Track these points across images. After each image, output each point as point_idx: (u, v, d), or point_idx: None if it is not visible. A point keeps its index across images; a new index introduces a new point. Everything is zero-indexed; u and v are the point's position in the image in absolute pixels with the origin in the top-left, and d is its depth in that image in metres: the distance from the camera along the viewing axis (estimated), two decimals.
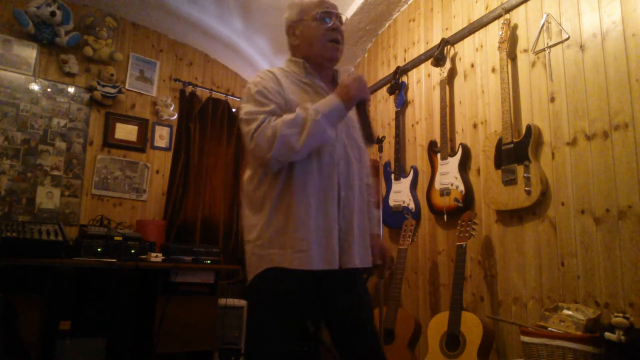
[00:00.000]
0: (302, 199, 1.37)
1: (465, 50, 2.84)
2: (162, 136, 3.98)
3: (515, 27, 2.48)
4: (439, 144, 2.85)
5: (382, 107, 3.63)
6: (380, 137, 3.10)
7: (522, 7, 2.46)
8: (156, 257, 2.96)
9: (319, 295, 1.44)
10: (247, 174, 1.51)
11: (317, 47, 1.52)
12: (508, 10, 2.50)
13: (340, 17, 1.57)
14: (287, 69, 1.57)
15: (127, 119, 3.81)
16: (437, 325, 2.36)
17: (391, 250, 2.98)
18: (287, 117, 1.36)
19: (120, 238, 2.92)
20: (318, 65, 1.55)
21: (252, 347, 1.41)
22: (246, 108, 1.42)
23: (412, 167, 3.11)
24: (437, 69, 2.92)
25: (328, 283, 1.43)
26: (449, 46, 2.91)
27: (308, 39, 1.53)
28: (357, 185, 1.50)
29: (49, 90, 3.49)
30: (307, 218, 1.36)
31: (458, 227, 2.45)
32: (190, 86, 4.10)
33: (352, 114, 1.54)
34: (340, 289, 1.47)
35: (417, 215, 2.98)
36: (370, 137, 1.47)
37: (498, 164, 2.37)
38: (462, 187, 2.62)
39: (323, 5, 1.54)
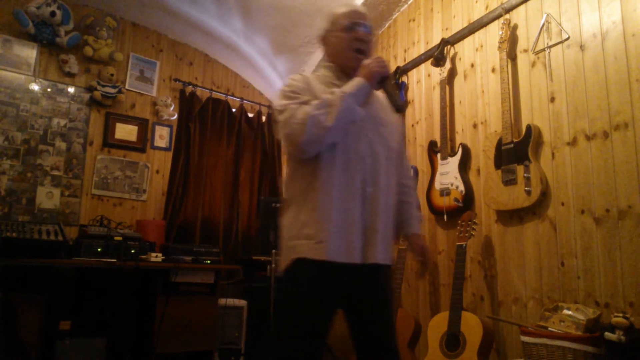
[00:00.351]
0: (326, 193, 1.44)
1: (465, 50, 2.84)
2: (162, 136, 3.98)
3: (515, 27, 2.48)
4: (439, 144, 2.85)
5: None
6: None
7: (522, 7, 2.46)
8: (156, 257, 2.96)
9: (343, 288, 1.48)
10: (285, 173, 1.61)
11: (342, 56, 1.59)
12: (508, 10, 2.50)
13: (368, 27, 1.62)
14: (319, 72, 1.66)
15: (127, 119, 3.81)
16: (437, 325, 2.36)
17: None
18: (315, 101, 1.44)
19: (120, 238, 2.92)
20: (350, 73, 1.59)
21: (274, 332, 1.47)
22: (279, 102, 1.50)
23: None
24: (437, 69, 2.92)
25: (352, 277, 1.46)
26: (449, 46, 2.91)
27: (335, 48, 1.61)
28: (385, 183, 1.53)
29: (49, 90, 3.49)
30: (329, 211, 1.42)
31: (458, 227, 2.45)
32: (190, 86, 4.10)
33: (382, 113, 1.60)
34: (365, 284, 1.50)
35: None
36: (397, 107, 1.51)
37: (498, 164, 2.37)
38: (462, 187, 2.62)
39: (352, 15, 1.60)
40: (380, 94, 1.67)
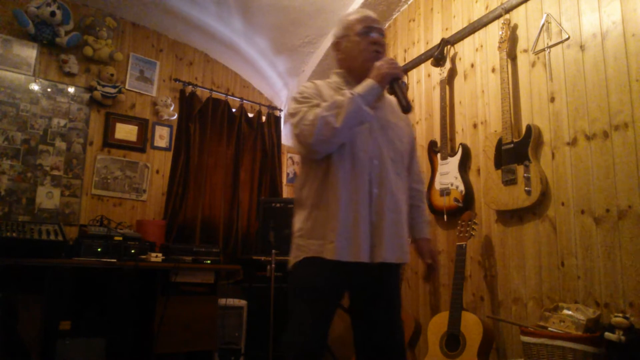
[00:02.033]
0: (334, 194, 1.48)
1: (465, 50, 2.84)
2: (162, 136, 3.98)
3: (515, 27, 2.48)
4: (439, 144, 2.85)
5: None
6: None
7: (522, 7, 2.46)
8: (156, 257, 2.96)
9: (352, 287, 1.53)
10: (298, 176, 1.66)
11: (360, 59, 1.61)
12: (508, 10, 2.50)
13: (382, 31, 1.66)
14: (330, 80, 1.69)
15: (127, 119, 3.81)
16: (437, 325, 2.36)
17: None
18: (326, 103, 1.48)
19: (120, 238, 2.92)
20: (361, 78, 1.60)
21: (287, 330, 1.50)
22: (292, 106, 1.56)
23: None
24: (437, 69, 2.92)
25: (361, 276, 1.50)
26: (449, 46, 2.91)
27: (351, 53, 1.63)
28: (393, 184, 1.55)
29: (49, 90, 3.49)
30: (337, 212, 1.46)
31: (458, 227, 2.45)
32: (190, 86, 4.10)
33: (392, 117, 1.63)
34: (373, 283, 1.54)
35: None
36: (406, 107, 1.51)
37: (498, 164, 2.37)
38: (462, 187, 2.62)
39: (366, 21, 1.64)
40: (391, 98, 1.68)
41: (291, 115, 1.52)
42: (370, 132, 1.54)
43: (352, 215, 1.47)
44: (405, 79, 3.33)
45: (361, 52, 1.60)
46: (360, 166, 1.50)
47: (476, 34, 2.75)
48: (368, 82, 1.49)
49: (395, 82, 1.53)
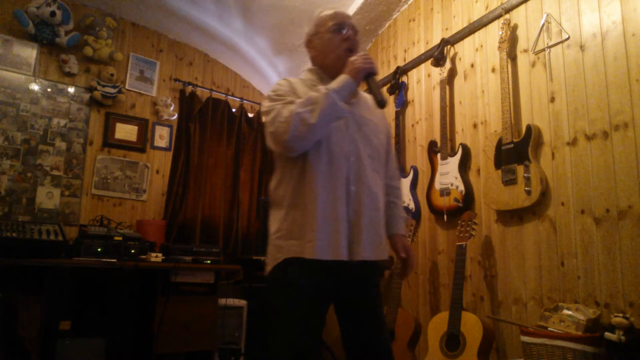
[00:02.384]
0: (312, 193, 1.45)
1: (465, 50, 2.84)
2: (162, 136, 3.98)
3: (515, 27, 2.48)
4: (439, 144, 2.85)
5: None
6: None
7: (522, 7, 2.46)
8: (156, 257, 2.96)
9: (334, 286, 1.50)
10: (273, 175, 1.63)
11: (332, 57, 1.61)
12: (508, 10, 2.50)
13: (354, 28, 1.65)
14: (304, 77, 1.68)
15: (127, 119, 3.81)
16: (437, 325, 2.36)
17: (391, 251, 2.98)
18: (300, 99, 1.46)
19: (120, 238, 2.92)
20: (334, 75, 1.60)
21: (271, 335, 1.46)
22: (265, 104, 1.54)
23: (412, 167, 3.11)
24: (437, 69, 2.92)
25: (341, 275, 1.48)
26: (449, 46, 2.91)
27: (323, 50, 1.63)
28: (370, 181, 1.54)
29: (49, 90, 3.49)
30: (315, 211, 1.44)
31: (458, 227, 2.45)
32: (190, 86, 4.10)
33: (367, 113, 1.62)
34: (354, 282, 1.52)
35: (417, 215, 2.98)
36: (380, 102, 1.49)
37: (498, 164, 2.37)
38: (462, 187, 2.62)
39: (337, 17, 1.64)
40: (366, 95, 1.68)
41: (265, 113, 1.51)
42: (347, 129, 1.53)
43: (331, 213, 1.45)
44: (405, 79, 3.34)
45: (333, 48, 1.60)
46: (338, 164, 1.49)
47: (476, 34, 2.75)
48: (342, 78, 1.48)
49: (369, 77, 1.51)
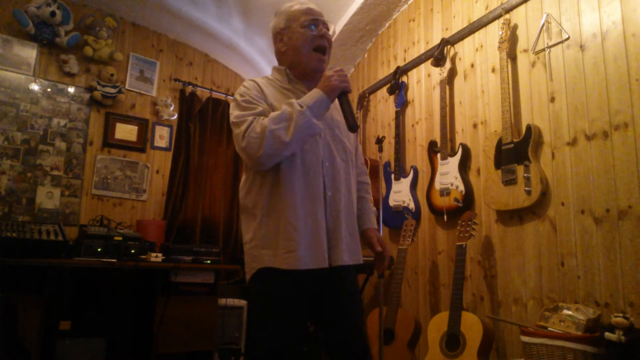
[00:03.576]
0: (289, 201, 1.41)
1: (465, 50, 2.84)
2: (162, 136, 3.98)
3: (515, 27, 2.48)
4: (439, 144, 2.85)
5: (382, 107, 3.63)
6: (380, 137, 3.10)
7: (522, 7, 2.46)
8: (156, 257, 2.96)
9: (311, 294, 1.47)
10: (241, 181, 1.57)
11: (303, 55, 1.56)
12: (508, 10, 2.50)
13: (327, 25, 1.59)
14: (271, 77, 1.63)
15: (127, 119, 3.81)
16: (437, 325, 2.36)
17: (391, 250, 2.98)
18: (274, 114, 1.41)
19: (120, 238, 2.92)
20: (303, 74, 1.57)
21: (250, 344, 1.45)
22: (235, 113, 1.47)
23: (412, 167, 3.11)
24: (437, 69, 2.92)
25: (318, 282, 1.46)
26: (449, 46, 2.91)
27: (294, 46, 1.57)
28: (344, 185, 1.53)
29: (49, 90, 3.49)
30: (294, 219, 1.40)
31: (458, 227, 2.45)
32: (190, 86, 4.10)
33: (336, 115, 1.58)
34: (331, 288, 1.50)
35: (417, 215, 2.98)
36: (352, 126, 1.46)
37: (498, 164, 2.37)
38: (462, 187, 2.62)
39: (310, 13, 1.58)
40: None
41: (235, 124, 1.44)
42: (320, 135, 1.49)
43: (311, 222, 1.42)
44: (405, 79, 3.34)
45: (304, 46, 1.54)
46: (313, 170, 1.45)
47: (476, 34, 2.75)
48: (317, 94, 1.43)
49: (343, 95, 1.48)
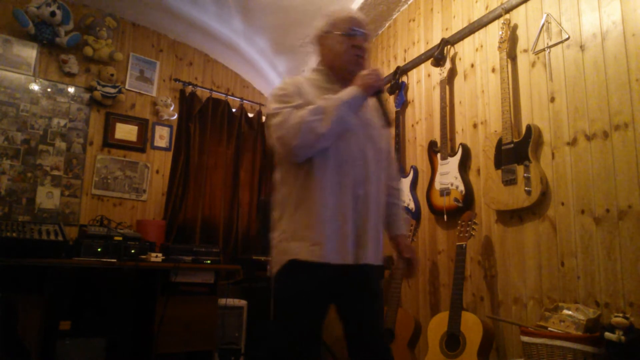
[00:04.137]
0: (319, 196, 1.45)
1: (465, 50, 2.84)
2: (162, 136, 3.98)
3: (515, 27, 2.48)
4: (439, 144, 2.85)
5: None
6: None
7: (522, 7, 2.46)
8: (156, 257, 2.96)
9: (334, 288, 1.49)
10: (275, 175, 1.61)
11: (341, 60, 1.60)
12: (508, 10, 2.50)
13: (367, 36, 1.64)
14: (310, 76, 1.66)
15: (127, 119, 3.81)
16: (437, 325, 2.36)
17: (391, 250, 2.98)
18: (311, 107, 1.44)
19: (120, 238, 2.92)
20: (341, 77, 1.60)
21: (271, 336, 1.47)
22: (273, 105, 1.51)
23: (412, 167, 3.11)
24: (437, 69, 2.92)
25: (344, 278, 1.48)
26: (449, 46, 2.91)
27: (334, 51, 1.61)
28: (375, 185, 1.54)
29: (49, 90, 3.49)
30: (323, 213, 1.44)
31: (458, 227, 2.45)
32: (190, 86, 4.10)
33: (371, 115, 1.62)
34: (356, 285, 1.52)
35: (417, 215, 2.98)
36: (387, 122, 1.55)
37: (498, 164, 2.37)
38: (462, 187, 2.62)
39: (353, 22, 1.61)
40: (371, 98, 1.67)
41: (272, 115, 1.48)
42: (354, 132, 1.52)
43: (339, 217, 1.45)
44: (405, 79, 3.34)
45: (343, 52, 1.58)
46: (345, 167, 1.48)
47: (476, 34, 2.75)
48: (354, 90, 1.48)
49: (378, 94, 1.54)
